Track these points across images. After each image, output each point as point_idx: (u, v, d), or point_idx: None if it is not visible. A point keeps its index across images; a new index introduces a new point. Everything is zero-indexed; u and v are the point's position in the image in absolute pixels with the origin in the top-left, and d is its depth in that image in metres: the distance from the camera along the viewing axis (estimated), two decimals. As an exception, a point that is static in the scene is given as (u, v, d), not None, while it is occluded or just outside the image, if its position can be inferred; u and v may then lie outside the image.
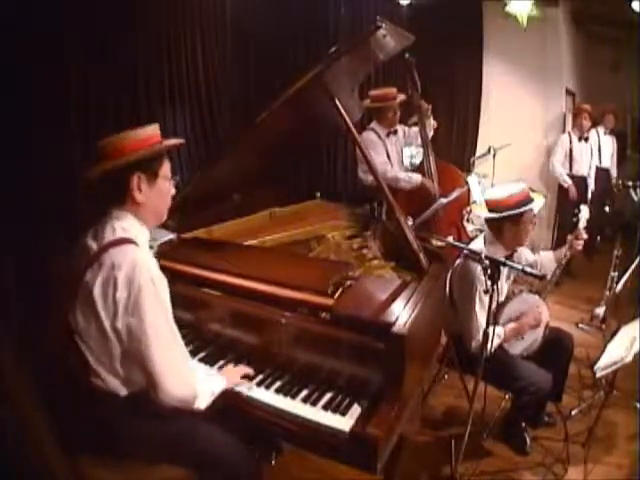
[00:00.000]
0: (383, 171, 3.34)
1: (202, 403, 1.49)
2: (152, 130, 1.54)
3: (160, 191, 1.54)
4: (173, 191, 1.60)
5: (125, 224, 1.47)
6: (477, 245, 2.33)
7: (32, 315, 1.92)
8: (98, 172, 1.45)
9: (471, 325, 2.22)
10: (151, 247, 1.53)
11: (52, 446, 1.23)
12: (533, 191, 2.37)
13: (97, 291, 1.37)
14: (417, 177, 3.49)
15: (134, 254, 1.40)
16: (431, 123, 3.65)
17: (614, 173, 5.09)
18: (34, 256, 2.32)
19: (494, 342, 2.14)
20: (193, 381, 1.48)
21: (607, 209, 4.50)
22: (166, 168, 1.56)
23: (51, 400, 1.27)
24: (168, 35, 3.48)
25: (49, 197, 2.57)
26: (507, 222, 2.25)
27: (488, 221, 2.33)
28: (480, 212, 2.38)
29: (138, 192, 1.48)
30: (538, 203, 2.29)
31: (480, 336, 2.03)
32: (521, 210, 2.22)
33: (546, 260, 2.56)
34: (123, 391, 1.45)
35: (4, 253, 2.24)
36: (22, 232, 2.31)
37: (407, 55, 3.36)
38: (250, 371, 1.69)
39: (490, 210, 2.29)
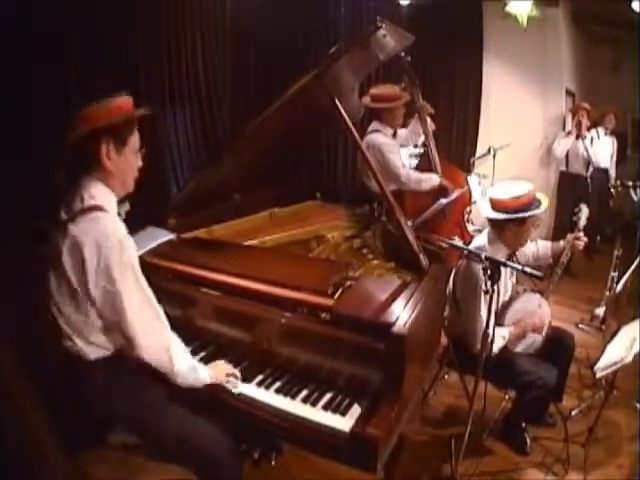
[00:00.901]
0: (406, 174, 3.26)
1: (181, 377, 1.52)
2: (124, 100, 1.56)
3: (127, 160, 1.55)
4: (140, 163, 1.61)
5: (93, 191, 1.48)
6: (480, 242, 2.33)
7: (31, 315, 1.92)
8: (70, 140, 1.48)
9: (476, 326, 2.20)
10: (119, 214, 1.54)
11: (52, 446, 1.23)
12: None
13: (67, 259, 1.40)
14: (436, 177, 3.41)
15: (101, 220, 1.42)
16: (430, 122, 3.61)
17: (613, 174, 5.09)
18: (34, 256, 2.32)
19: (498, 344, 2.15)
20: (167, 340, 1.51)
21: (606, 209, 4.51)
22: (135, 139, 1.57)
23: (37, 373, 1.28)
24: (168, 35, 3.48)
25: (49, 197, 2.57)
26: (510, 223, 2.22)
27: (491, 220, 2.30)
28: (483, 209, 2.33)
29: (107, 160, 1.49)
30: (543, 207, 2.25)
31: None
32: (526, 215, 2.19)
33: (542, 250, 2.55)
34: (91, 355, 1.48)
35: (4, 253, 2.24)
36: (22, 232, 2.31)
37: (402, 54, 3.31)
38: (236, 372, 1.70)
39: (494, 209, 2.25)
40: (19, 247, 2.30)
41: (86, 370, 1.48)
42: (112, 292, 1.40)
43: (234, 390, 1.64)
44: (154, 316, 1.50)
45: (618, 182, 4.27)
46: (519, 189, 2.22)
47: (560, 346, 2.46)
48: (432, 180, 3.38)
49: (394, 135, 3.55)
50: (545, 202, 2.28)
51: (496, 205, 2.25)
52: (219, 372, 1.66)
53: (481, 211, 2.34)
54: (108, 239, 1.39)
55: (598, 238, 4.63)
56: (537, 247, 2.58)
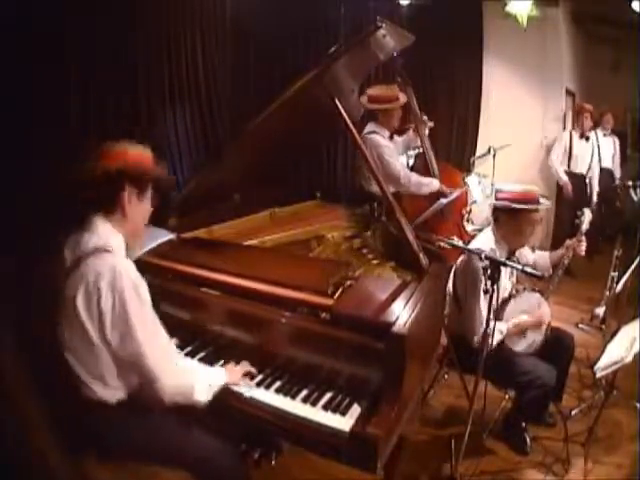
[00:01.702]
0: (405, 177, 3.27)
1: (201, 395, 1.50)
2: (148, 152, 1.56)
3: (144, 209, 1.56)
4: (149, 214, 1.61)
5: (102, 231, 1.47)
6: (484, 240, 2.34)
7: (31, 315, 1.92)
8: (95, 169, 1.44)
9: (474, 320, 2.23)
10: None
11: (52, 446, 1.23)
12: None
13: (80, 303, 1.37)
14: (436, 181, 3.42)
15: (111, 261, 1.40)
16: (427, 122, 3.60)
17: (618, 174, 5.10)
18: (34, 256, 2.32)
19: (496, 337, 2.16)
20: (187, 372, 1.51)
21: (610, 210, 4.51)
22: (149, 192, 1.58)
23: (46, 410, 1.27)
24: (168, 35, 3.48)
25: (49, 197, 2.57)
26: (503, 214, 2.30)
27: (493, 210, 2.38)
28: (490, 200, 2.45)
29: (128, 204, 1.49)
30: (541, 206, 2.31)
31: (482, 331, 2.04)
32: (516, 206, 2.25)
33: (541, 260, 2.58)
34: (113, 399, 1.45)
35: (4, 253, 2.24)
36: (22, 232, 2.31)
37: (395, 54, 3.28)
38: (252, 369, 1.70)
39: (501, 200, 2.34)
40: (19, 247, 2.30)
41: (103, 412, 1.45)
42: (130, 335, 1.38)
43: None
44: (172, 356, 1.49)
45: (621, 182, 4.29)
46: (521, 187, 2.32)
47: (560, 346, 2.46)
48: (432, 185, 3.40)
49: (391, 137, 3.55)
50: (546, 203, 2.33)
51: (496, 194, 2.36)
52: (235, 375, 1.65)
53: (490, 202, 2.43)
54: (122, 282, 1.37)
55: (600, 239, 4.63)
56: (535, 257, 2.61)
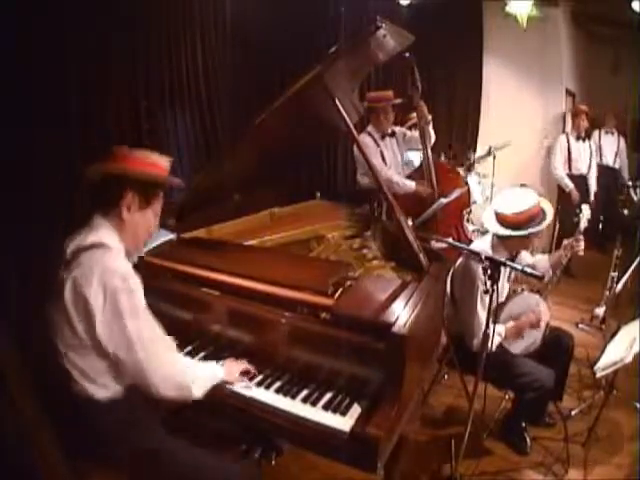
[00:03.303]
0: (381, 171, 3.31)
1: (198, 390, 1.50)
2: (163, 161, 1.57)
3: (145, 220, 1.53)
4: (156, 231, 1.60)
5: (100, 230, 1.45)
6: (482, 245, 2.31)
7: (32, 315, 1.92)
8: (99, 170, 1.45)
9: (473, 323, 2.22)
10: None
11: (52, 446, 1.23)
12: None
13: (68, 298, 1.35)
14: (411, 184, 3.46)
15: (105, 258, 1.39)
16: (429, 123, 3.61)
17: (626, 174, 5.11)
18: (34, 256, 2.32)
19: (495, 340, 2.15)
20: (182, 369, 1.50)
21: (618, 208, 4.52)
22: (159, 204, 1.57)
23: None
24: (168, 35, 3.47)
25: (49, 197, 2.57)
26: (515, 237, 2.22)
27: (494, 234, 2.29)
28: (488, 223, 2.31)
29: (126, 211, 1.47)
30: (547, 220, 2.25)
31: (481, 334, 2.03)
32: (527, 232, 2.19)
33: (540, 263, 2.56)
34: (103, 397, 1.43)
35: (4, 253, 2.24)
36: (22, 232, 2.31)
37: (407, 54, 3.33)
38: (250, 368, 1.69)
39: (498, 222, 2.25)
40: (19, 247, 2.30)
41: (94, 410, 1.43)
42: (121, 333, 1.35)
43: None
44: (164, 349, 1.47)
45: (630, 182, 4.30)
46: (523, 203, 2.20)
47: (559, 346, 2.47)
48: (405, 185, 3.47)
49: (384, 137, 3.59)
50: (550, 213, 2.28)
51: (500, 219, 2.25)
52: (233, 370, 1.65)
53: (485, 223, 2.33)
54: (114, 276, 1.35)
55: (600, 226, 4.58)
56: (535, 260, 2.59)
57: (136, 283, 1.41)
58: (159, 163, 1.55)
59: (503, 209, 2.23)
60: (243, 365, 1.69)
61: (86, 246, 1.40)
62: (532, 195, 2.26)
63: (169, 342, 1.52)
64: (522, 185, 5.25)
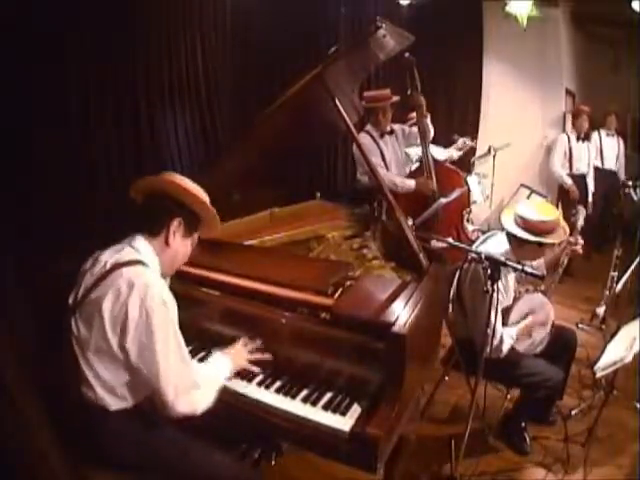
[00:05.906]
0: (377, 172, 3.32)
1: (208, 404, 1.50)
2: (206, 196, 1.62)
3: (185, 248, 1.59)
4: (187, 257, 1.65)
5: (143, 251, 1.49)
6: (498, 248, 2.27)
7: (32, 315, 1.92)
8: (152, 188, 1.52)
9: (487, 331, 2.16)
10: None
11: (52, 446, 1.23)
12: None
13: (107, 307, 1.38)
14: (410, 183, 3.46)
15: (146, 276, 1.42)
16: (429, 123, 3.61)
17: (622, 176, 5.11)
18: (34, 256, 2.32)
19: (508, 343, 2.15)
20: (202, 392, 1.50)
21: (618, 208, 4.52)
22: (197, 236, 1.63)
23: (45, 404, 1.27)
24: (168, 35, 3.47)
25: (49, 198, 2.57)
26: (532, 243, 2.19)
27: (512, 235, 2.25)
28: (507, 223, 2.27)
29: (172, 236, 1.52)
30: (566, 237, 2.28)
31: (497, 340, 2.05)
32: (550, 241, 2.18)
33: (538, 264, 2.55)
34: (115, 406, 1.45)
35: (4, 253, 2.24)
36: (22, 233, 2.31)
37: (407, 54, 3.34)
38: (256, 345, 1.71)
39: (519, 226, 2.21)
40: (19, 247, 2.30)
41: (105, 419, 1.44)
42: (149, 348, 1.38)
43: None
44: (187, 374, 1.47)
45: (630, 182, 4.29)
46: (550, 213, 2.22)
47: (562, 343, 2.46)
48: (405, 185, 3.46)
49: (382, 135, 3.59)
50: (567, 232, 2.29)
51: (523, 224, 2.22)
52: (240, 358, 1.67)
53: (505, 224, 2.28)
54: (153, 297, 1.38)
55: (600, 226, 4.58)
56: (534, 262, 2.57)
57: (173, 308, 1.45)
58: (206, 198, 1.61)
59: (530, 215, 2.21)
60: (249, 349, 1.71)
61: (127, 262, 1.43)
62: (554, 210, 2.30)
63: (191, 366, 1.53)
64: (522, 185, 5.32)
